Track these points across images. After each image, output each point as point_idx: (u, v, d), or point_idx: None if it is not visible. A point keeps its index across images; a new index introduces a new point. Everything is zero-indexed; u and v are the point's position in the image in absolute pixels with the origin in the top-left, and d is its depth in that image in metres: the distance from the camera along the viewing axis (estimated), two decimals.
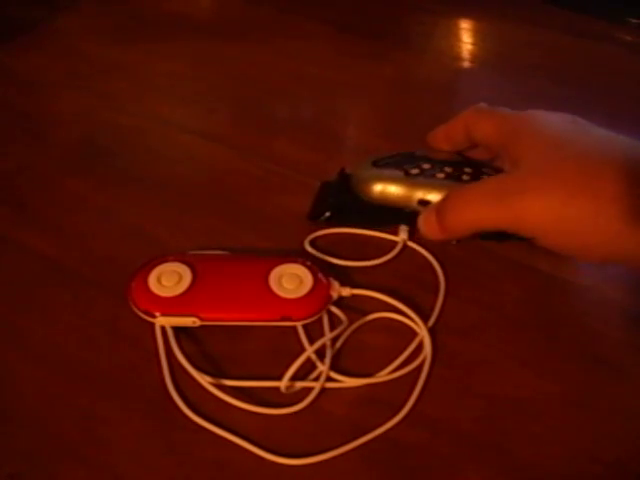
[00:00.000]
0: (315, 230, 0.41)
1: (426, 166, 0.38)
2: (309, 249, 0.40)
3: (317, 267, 0.37)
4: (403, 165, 0.38)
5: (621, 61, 0.58)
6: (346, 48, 0.60)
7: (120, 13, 0.65)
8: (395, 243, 0.40)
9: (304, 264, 0.37)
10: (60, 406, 0.33)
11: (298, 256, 0.38)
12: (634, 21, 0.62)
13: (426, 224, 0.37)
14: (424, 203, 0.38)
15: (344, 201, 0.41)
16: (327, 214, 0.41)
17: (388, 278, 0.39)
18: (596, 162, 0.32)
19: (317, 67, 0.57)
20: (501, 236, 0.36)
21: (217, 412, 0.32)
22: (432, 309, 0.37)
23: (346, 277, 0.38)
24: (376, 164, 0.39)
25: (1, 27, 0.61)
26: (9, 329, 0.36)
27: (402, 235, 0.40)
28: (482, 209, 0.34)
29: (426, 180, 0.38)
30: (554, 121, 0.35)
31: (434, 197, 0.38)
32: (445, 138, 0.41)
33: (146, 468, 0.30)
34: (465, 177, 0.37)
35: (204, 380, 0.33)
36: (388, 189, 0.38)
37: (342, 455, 0.31)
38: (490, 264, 0.40)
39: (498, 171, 0.38)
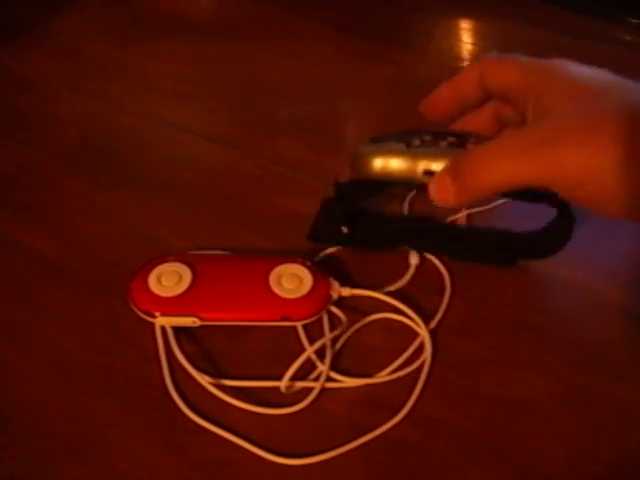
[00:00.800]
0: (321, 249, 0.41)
1: (427, 137, 0.35)
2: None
3: (317, 267, 0.37)
4: (403, 138, 0.36)
5: (621, 61, 0.58)
6: (346, 48, 0.60)
7: (121, 13, 0.65)
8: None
9: (304, 264, 0.37)
10: (60, 406, 0.33)
11: (298, 256, 0.38)
12: (634, 21, 0.62)
13: (439, 189, 0.33)
14: (430, 173, 0.34)
15: (351, 213, 0.39)
16: (344, 229, 0.39)
17: (388, 278, 0.39)
18: (636, 112, 0.28)
19: (317, 67, 0.57)
20: (527, 195, 0.33)
21: (217, 412, 0.32)
22: (432, 309, 0.37)
23: (346, 277, 0.38)
24: (375, 140, 0.36)
25: (1, 27, 0.61)
26: (9, 329, 0.36)
27: (414, 260, 0.39)
28: (509, 164, 0.30)
29: (429, 149, 0.35)
30: (586, 70, 0.32)
31: (440, 166, 0.34)
32: (451, 96, 0.37)
33: (146, 468, 0.30)
34: (470, 146, 0.34)
35: (204, 380, 0.33)
36: (390, 163, 0.35)
37: (342, 455, 0.31)
38: (490, 264, 0.40)
39: None
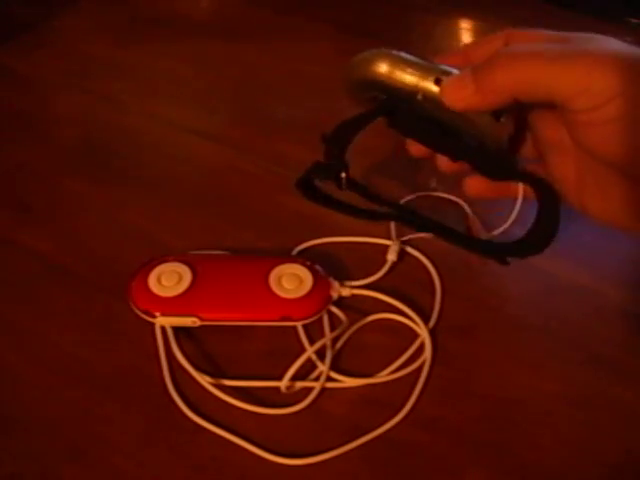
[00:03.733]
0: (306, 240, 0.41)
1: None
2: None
3: (317, 267, 0.37)
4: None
5: None
6: (346, 48, 0.59)
7: (120, 13, 0.65)
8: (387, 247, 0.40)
9: (304, 264, 0.37)
10: (60, 406, 0.33)
11: (298, 256, 0.38)
12: (634, 21, 0.62)
13: (456, 85, 0.30)
14: (440, 81, 0.31)
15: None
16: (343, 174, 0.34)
17: (389, 278, 0.39)
18: None
19: (317, 67, 0.57)
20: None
21: (217, 412, 0.32)
22: (432, 309, 0.37)
23: (346, 277, 0.38)
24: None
25: (1, 27, 0.61)
26: (9, 329, 0.36)
27: (391, 256, 0.39)
28: (540, 65, 0.28)
29: (443, 66, 0.32)
30: (617, 43, 0.29)
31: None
32: (463, 62, 0.33)
33: (146, 468, 0.30)
34: None
35: (204, 380, 0.33)
36: (398, 67, 0.32)
37: (342, 455, 0.31)
38: (490, 264, 0.40)
39: None
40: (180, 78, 0.56)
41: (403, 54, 0.33)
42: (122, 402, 0.33)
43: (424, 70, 0.32)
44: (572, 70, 0.28)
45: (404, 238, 0.41)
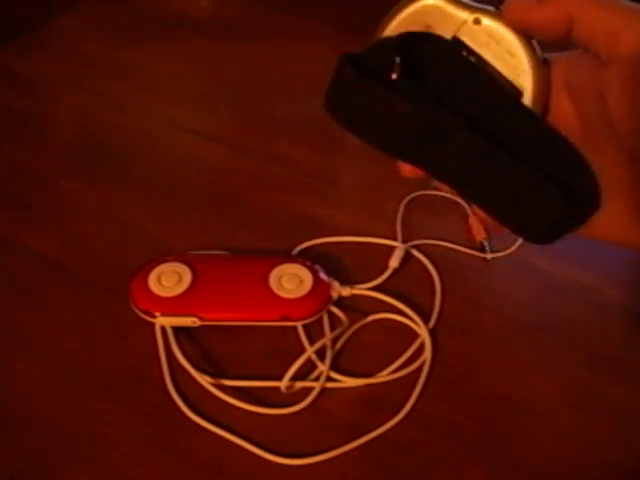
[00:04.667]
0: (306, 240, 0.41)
1: None
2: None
3: (317, 267, 0.37)
4: None
5: None
6: (346, 48, 0.59)
7: (120, 13, 0.65)
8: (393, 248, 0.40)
9: (304, 264, 0.37)
10: (60, 406, 0.33)
11: (298, 256, 0.38)
12: None
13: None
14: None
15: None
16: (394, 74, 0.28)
17: (389, 279, 0.39)
18: None
19: (317, 67, 0.57)
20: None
21: (217, 412, 0.32)
22: (432, 310, 0.37)
23: (346, 277, 0.38)
24: None
25: (1, 27, 0.61)
26: (9, 329, 0.36)
27: (393, 263, 0.39)
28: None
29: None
30: None
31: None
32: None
33: (146, 468, 0.30)
34: None
35: (204, 380, 0.33)
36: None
37: (342, 455, 0.31)
38: (490, 264, 0.40)
39: None
40: (180, 78, 0.56)
41: None
42: (122, 402, 0.33)
43: (469, 8, 0.29)
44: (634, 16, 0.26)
45: (410, 243, 0.41)
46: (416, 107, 0.26)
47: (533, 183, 0.26)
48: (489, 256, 0.40)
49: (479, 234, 0.41)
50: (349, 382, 0.34)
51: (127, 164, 0.47)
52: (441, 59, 0.30)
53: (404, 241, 0.41)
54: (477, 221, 0.42)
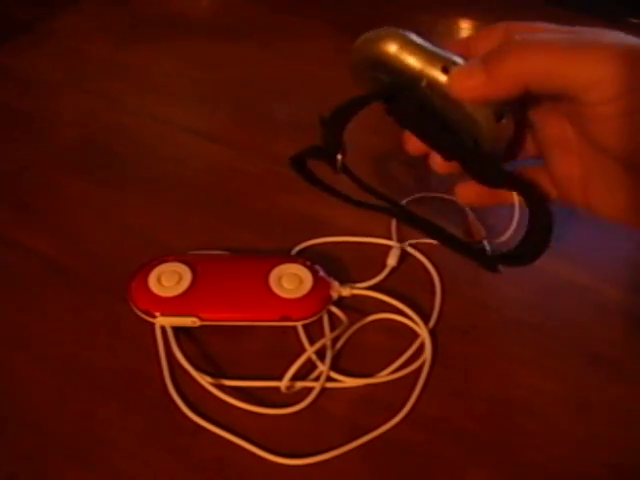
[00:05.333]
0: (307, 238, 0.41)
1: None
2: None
3: (317, 267, 0.37)
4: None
5: None
6: (346, 48, 0.59)
7: (120, 13, 0.65)
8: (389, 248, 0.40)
9: (304, 264, 0.37)
10: (60, 406, 0.33)
11: (298, 256, 0.38)
12: (634, 21, 0.62)
13: (466, 74, 0.29)
14: (447, 70, 0.30)
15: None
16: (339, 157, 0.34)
17: (389, 279, 0.39)
18: None
19: (317, 67, 0.57)
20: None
21: (217, 412, 0.32)
22: (432, 310, 0.37)
23: (346, 277, 0.38)
24: None
25: (1, 27, 0.61)
26: (9, 329, 0.36)
27: (391, 261, 0.39)
28: (555, 53, 0.28)
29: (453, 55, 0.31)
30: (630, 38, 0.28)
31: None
32: (464, 52, 0.32)
33: (146, 468, 0.30)
34: None
35: (204, 380, 0.33)
36: (408, 48, 0.31)
37: (342, 455, 0.31)
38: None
39: None
40: (180, 78, 0.56)
41: (414, 36, 0.31)
42: (122, 402, 0.33)
43: (432, 56, 0.31)
44: (587, 60, 0.27)
45: (407, 242, 0.41)
46: (349, 199, 0.36)
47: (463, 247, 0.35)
48: None
49: (478, 234, 0.41)
50: (349, 382, 0.34)
51: (127, 164, 0.47)
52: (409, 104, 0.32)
53: (401, 240, 0.41)
54: (476, 221, 0.42)
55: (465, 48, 0.33)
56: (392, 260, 0.39)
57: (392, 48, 0.31)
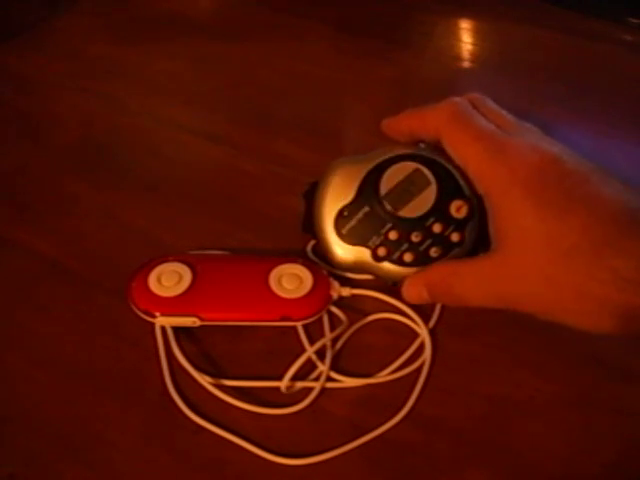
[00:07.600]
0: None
1: (392, 236, 0.35)
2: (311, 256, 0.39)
3: (317, 267, 0.37)
4: (369, 235, 0.35)
5: (621, 61, 0.58)
6: (346, 48, 0.60)
7: (120, 13, 0.65)
8: None
9: (304, 264, 0.37)
10: (60, 406, 0.33)
11: (298, 256, 0.38)
12: (634, 21, 0.62)
13: (413, 293, 0.35)
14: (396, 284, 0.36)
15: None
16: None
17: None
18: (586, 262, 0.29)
19: (317, 67, 0.57)
20: None
21: (217, 412, 0.32)
22: (432, 309, 0.37)
23: (346, 277, 0.38)
24: (342, 215, 0.36)
25: (1, 27, 0.61)
26: (9, 329, 0.36)
27: None
28: (478, 293, 0.33)
29: (394, 266, 0.35)
30: (537, 172, 0.31)
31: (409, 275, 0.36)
32: (407, 132, 0.37)
33: (146, 468, 0.30)
34: (433, 253, 0.35)
35: (204, 380, 0.33)
36: (356, 265, 0.36)
37: (342, 455, 0.31)
38: None
39: (470, 199, 0.35)
40: (180, 78, 0.56)
41: (357, 248, 0.36)
42: (122, 402, 0.33)
43: (379, 270, 0.36)
44: (500, 301, 0.33)
45: None
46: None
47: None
48: None
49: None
50: (349, 382, 0.34)
51: (127, 164, 0.47)
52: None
53: None
54: None
55: (407, 128, 0.37)
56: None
57: (347, 262, 0.37)
